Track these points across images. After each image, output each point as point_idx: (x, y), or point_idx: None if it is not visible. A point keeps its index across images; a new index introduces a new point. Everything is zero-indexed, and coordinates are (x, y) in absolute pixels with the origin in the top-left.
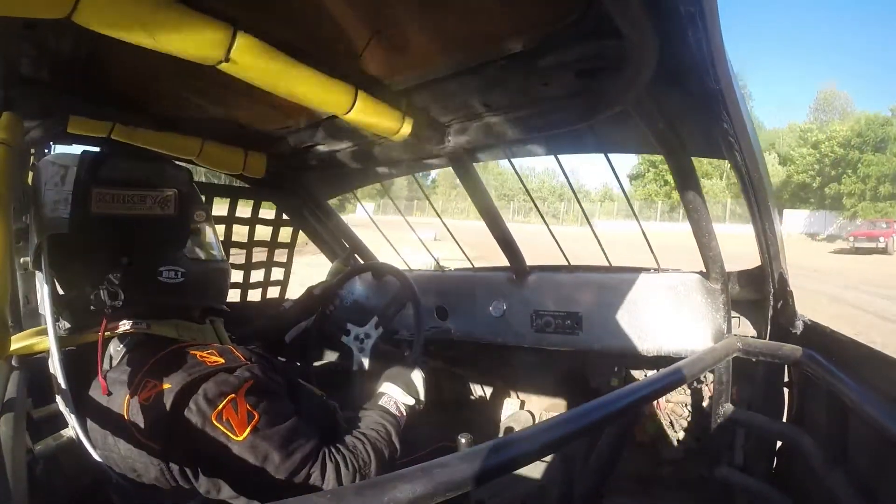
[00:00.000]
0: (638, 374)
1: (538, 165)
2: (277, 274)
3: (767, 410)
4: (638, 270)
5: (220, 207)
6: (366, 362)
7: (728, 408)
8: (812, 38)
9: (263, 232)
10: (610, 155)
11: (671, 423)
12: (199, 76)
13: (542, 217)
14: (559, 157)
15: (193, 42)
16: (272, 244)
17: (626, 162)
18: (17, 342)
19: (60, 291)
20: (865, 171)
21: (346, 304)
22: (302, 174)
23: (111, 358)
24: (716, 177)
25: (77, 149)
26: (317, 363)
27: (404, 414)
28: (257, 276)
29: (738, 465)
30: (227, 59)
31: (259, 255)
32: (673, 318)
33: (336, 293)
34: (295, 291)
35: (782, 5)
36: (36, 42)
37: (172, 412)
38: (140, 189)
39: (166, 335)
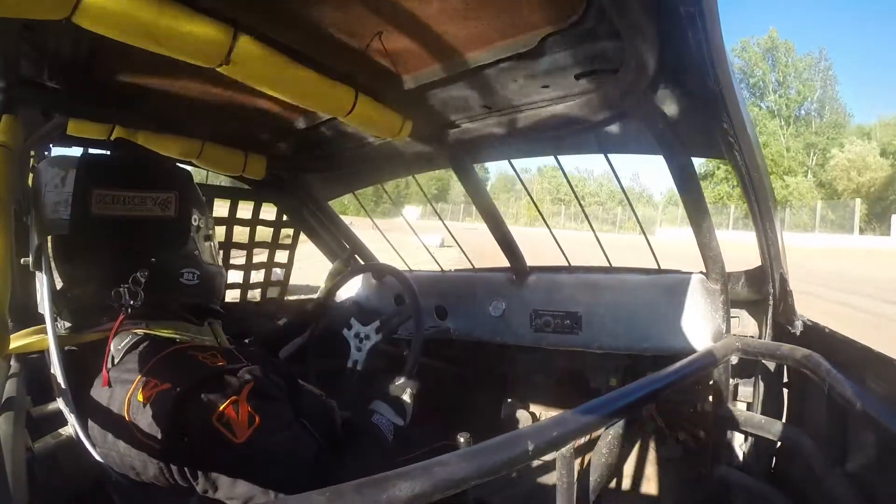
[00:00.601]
0: (638, 374)
1: (597, 168)
2: (277, 274)
3: (767, 410)
4: (638, 271)
5: (220, 208)
6: (362, 362)
7: (727, 408)
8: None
9: (263, 233)
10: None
11: (670, 423)
12: (199, 78)
13: (591, 223)
14: (610, 157)
15: (194, 44)
16: (273, 245)
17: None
18: (17, 341)
19: (60, 290)
20: None
21: (348, 302)
22: (302, 175)
23: (112, 358)
24: (800, 174)
25: (77, 151)
26: (315, 361)
27: (392, 433)
28: (257, 276)
29: (738, 465)
30: (227, 61)
31: (259, 256)
32: (673, 318)
33: (328, 305)
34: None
35: None
36: (36, 43)
37: (173, 412)
38: (140, 190)
39: (165, 335)
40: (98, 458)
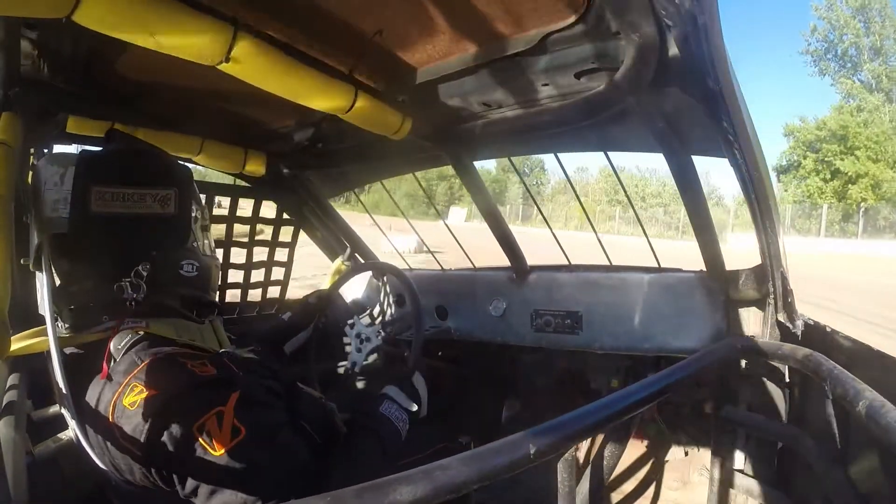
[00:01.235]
0: (639, 375)
1: (660, 167)
2: (277, 273)
3: (767, 411)
4: (638, 270)
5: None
6: (361, 363)
7: (728, 408)
8: None
9: (262, 231)
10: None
11: (671, 423)
12: (199, 76)
13: (642, 225)
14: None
15: (194, 42)
16: (273, 243)
17: (771, 148)
18: (17, 342)
19: (59, 289)
20: None
21: (348, 301)
22: (302, 173)
23: (113, 357)
24: (882, 162)
25: (77, 149)
26: (316, 362)
27: (407, 421)
28: (257, 276)
29: (739, 466)
30: (227, 59)
31: (259, 254)
32: (673, 317)
33: (332, 299)
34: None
35: None
36: (36, 41)
37: (154, 421)
38: (139, 188)
39: (165, 335)
40: (98, 461)
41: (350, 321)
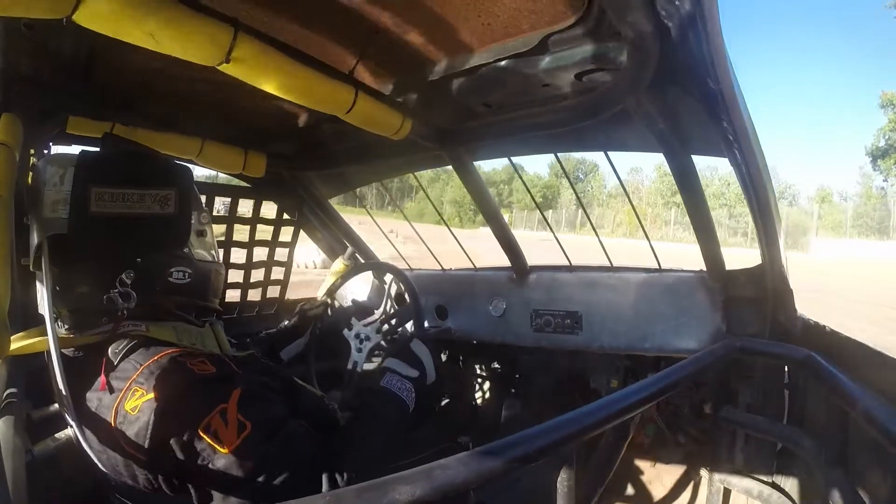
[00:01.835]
0: (638, 375)
1: (721, 165)
2: (277, 273)
3: (767, 411)
4: (638, 270)
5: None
6: (362, 363)
7: (728, 409)
8: None
9: (263, 232)
10: None
11: (671, 424)
12: (199, 76)
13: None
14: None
15: (194, 43)
16: (273, 243)
17: (864, 126)
18: (17, 342)
19: (58, 290)
20: None
21: (348, 302)
22: (302, 173)
23: (110, 362)
24: None
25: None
26: (316, 363)
27: (412, 389)
28: (257, 275)
29: (738, 467)
30: (227, 60)
31: (259, 255)
32: (673, 317)
33: (328, 304)
34: None
35: None
36: (36, 42)
37: (158, 424)
38: (139, 188)
39: (165, 338)
40: (97, 461)
41: (349, 322)
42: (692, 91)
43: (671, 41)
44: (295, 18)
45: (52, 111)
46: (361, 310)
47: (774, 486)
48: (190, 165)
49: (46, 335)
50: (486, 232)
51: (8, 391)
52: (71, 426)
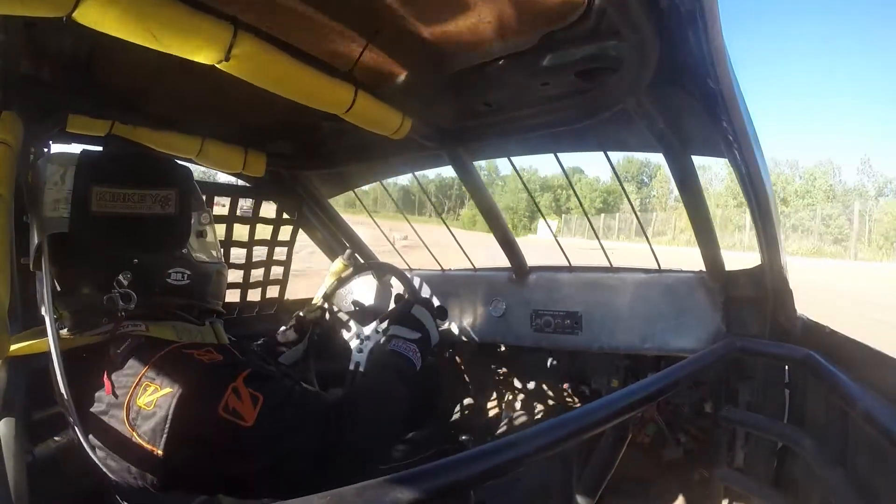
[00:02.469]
0: (638, 375)
1: (805, 157)
2: (276, 272)
3: (767, 411)
4: (638, 270)
5: (219, 207)
6: (363, 363)
7: (728, 408)
8: None
9: (263, 232)
10: None
11: (671, 423)
12: (199, 75)
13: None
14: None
15: (194, 41)
16: (272, 242)
17: None
18: (17, 342)
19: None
20: None
21: (347, 302)
22: (302, 173)
23: (113, 362)
24: None
25: (77, 148)
26: (316, 365)
27: (417, 350)
28: (256, 274)
29: (739, 466)
30: (227, 59)
31: (258, 255)
32: (673, 317)
33: (325, 309)
34: None
35: None
36: (37, 40)
37: (176, 416)
38: (140, 188)
39: (165, 337)
40: (98, 462)
41: (348, 324)
42: (692, 91)
43: (671, 41)
44: (295, 17)
45: (53, 110)
46: (361, 311)
47: (775, 485)
48: (189, 165)
49: (47, 335)
50: (534, 238)
51: (9, 392)
52: (72, 427)
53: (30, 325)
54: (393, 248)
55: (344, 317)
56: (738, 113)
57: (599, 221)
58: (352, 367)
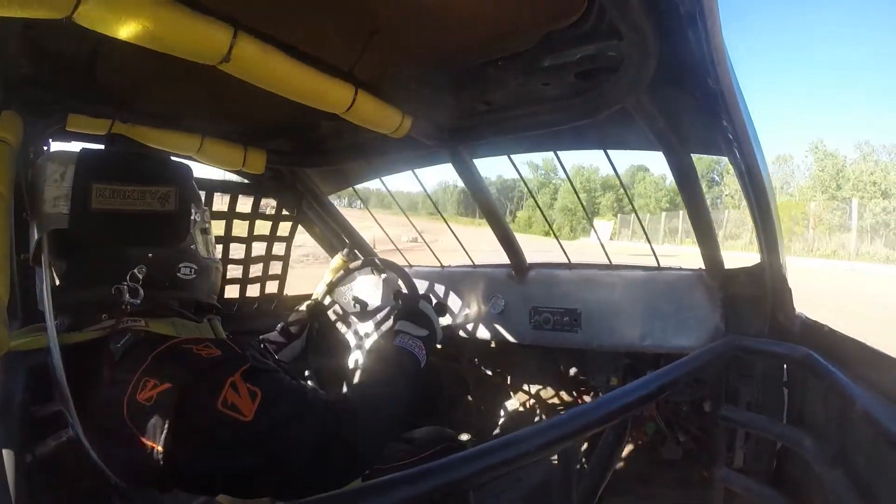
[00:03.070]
0: (638, 374)
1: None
2: (275, 268)
3: (767, 410)
4: (637, 268)
5: (219, 204)
6: (363, 360)
7: (727, 407)
8: None
9: (262, 229)
10: None
11: (670, 423)
12: (199, 75)
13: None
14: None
15: (194, 42)
16: (271, 238)
17: None
18: (16, 339)
19: (58, 287)
20: None
21: (346, 299)
22: (302, 171)
23: (112, 357)
24: None
25: (76, 147)
26: (315, 361)
27: (422, 347)
28: (255, 270)
29: (738, 466)
30: (227, 59)
31: (257, 250)
32: (672, 315)
33: (324, 306)
34: None
35: None
36: (37, 41)
37: (176, 411)
38: (140, 185)
39: (164, 333)
40: (97, 460)
41: (348, 321)
42: (692, 90)
43: (671, 41)
44: (295, 17)
45: (53, 109)
46: (361, 307)
47: (774, 485)
48: (189, 163)
49: (46, 331)
50: (586, 241)
51: (8, 389)
52: (71, 424)
53: (29, 321)
54: (395, 247)
55: (343, 313)
56: (738, 112)
57: (660, 222)
58: (351, 363)
